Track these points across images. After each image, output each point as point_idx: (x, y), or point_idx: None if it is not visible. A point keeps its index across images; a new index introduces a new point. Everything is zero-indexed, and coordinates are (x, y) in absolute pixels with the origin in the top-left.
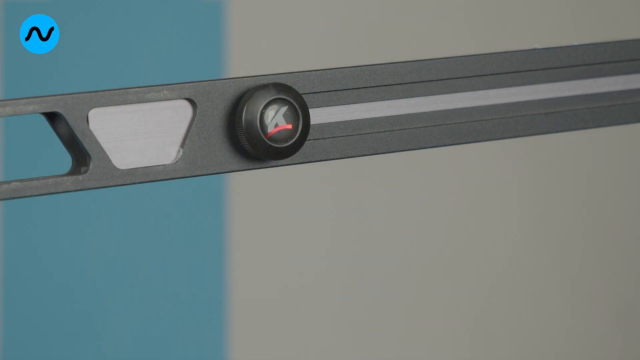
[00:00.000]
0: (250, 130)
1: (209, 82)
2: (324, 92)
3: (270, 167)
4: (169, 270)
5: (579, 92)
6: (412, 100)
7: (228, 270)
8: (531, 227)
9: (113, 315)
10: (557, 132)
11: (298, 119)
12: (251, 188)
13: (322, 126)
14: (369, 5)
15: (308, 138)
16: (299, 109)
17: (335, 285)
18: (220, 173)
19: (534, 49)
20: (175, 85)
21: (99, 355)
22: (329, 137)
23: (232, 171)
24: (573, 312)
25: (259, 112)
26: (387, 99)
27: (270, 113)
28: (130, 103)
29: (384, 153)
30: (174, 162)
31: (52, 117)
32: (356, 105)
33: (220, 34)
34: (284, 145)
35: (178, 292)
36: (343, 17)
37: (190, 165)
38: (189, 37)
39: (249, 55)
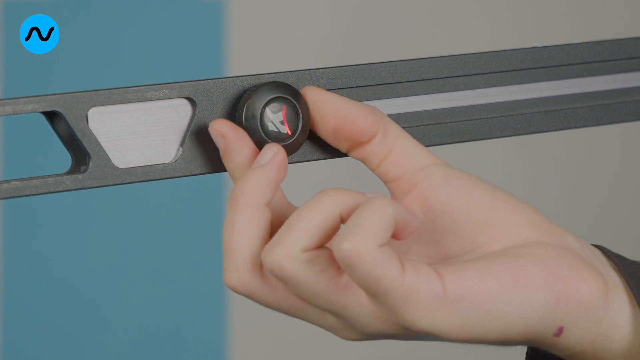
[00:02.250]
0: (250, 129)
1: (209, 80)
2: None
3: None
4: (168, 270)
5: (578, 90)
6: (411, 99)
7: None
8: None
9: (112, 314)
10: (556, 130)
11: (298, 118)
12: None
13: None
14: (368, 5)
15: (308, 137)
16: (299, 107)
17: None
18: (220, 172)
19: (534, 47)
20: (175, 84)
21: (99, 355)
22: None
23: None
24: None
25: (259, 111)
26: (387, 98)
27: (270, 112)
28: (130, 102)
29: None
30: (174, 161)
31: (52, 116)
32: None
33: (220, 34)
34: (284, 144)
35: (178, 292)
36: (342, 16)
37: (190, 164)
38: (189, 37)
39: (249, 55)
